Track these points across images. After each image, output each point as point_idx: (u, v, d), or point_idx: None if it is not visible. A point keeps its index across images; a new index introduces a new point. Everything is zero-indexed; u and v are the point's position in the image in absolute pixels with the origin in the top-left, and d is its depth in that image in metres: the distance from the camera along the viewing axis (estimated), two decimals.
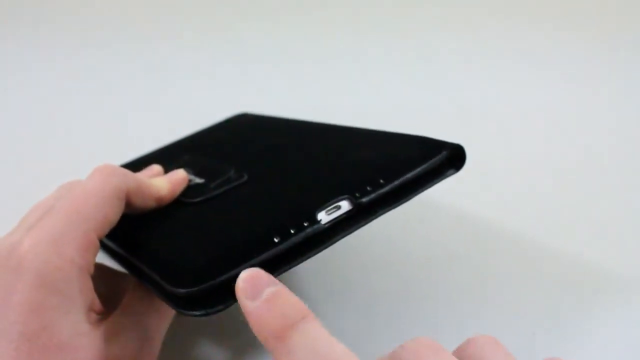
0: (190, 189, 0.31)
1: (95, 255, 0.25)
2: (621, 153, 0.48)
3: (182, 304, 0.22)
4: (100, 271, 0.29)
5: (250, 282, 0.20)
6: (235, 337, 0.33)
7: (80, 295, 0.23)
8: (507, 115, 0.53)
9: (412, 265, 0.38)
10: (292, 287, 0.20)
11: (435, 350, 0.19)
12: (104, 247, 0.29)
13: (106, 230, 0.25)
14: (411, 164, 0.27)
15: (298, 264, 0.23)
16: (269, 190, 0.29)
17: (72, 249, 0.23)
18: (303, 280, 0.36)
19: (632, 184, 0.45)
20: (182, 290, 0.22)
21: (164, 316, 0.27)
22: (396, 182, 0.26)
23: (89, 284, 0.24)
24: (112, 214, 0.25)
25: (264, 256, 0.22)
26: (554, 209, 0.42)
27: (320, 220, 0.24)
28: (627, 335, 0.31)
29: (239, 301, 0.20)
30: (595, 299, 0.34)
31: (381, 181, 0.26)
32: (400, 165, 0.27)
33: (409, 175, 0.26)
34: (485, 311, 0.33)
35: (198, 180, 0.32)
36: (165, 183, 0.30)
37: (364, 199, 0.25)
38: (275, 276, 0.23)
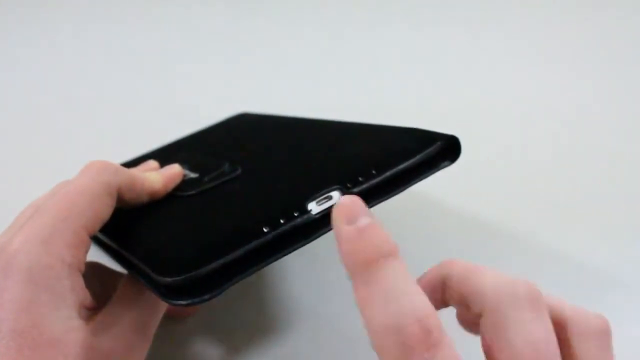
0: (184, 183, 0.31)
1: (85, 252, 0.25)
2: (622, 152, 0.47)
3: (169, 292, 0.22)
4: (94, 269, 0.29)
5: (349, 206, 0.20)
6: (234, 337, 0.33)
7: (71, 292, 0.23)
8: (508, 114, 0.53)
9: (410, 261, 0.37)
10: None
11: None
12: (95, 240, 0.29)
13: (97, 227, 0.25)
14: (404, 155, 0.26)
15: (288, 253, 0.23)
16: (261, 183, 0.29)
17: (62, 246, 0.23)
18: (296, 274, 0.36)
19: (633, 183, 0.44)
20: (168, 279, 0.21)
21: (155, 309, 0.26)
22: (388, 173, 0.25)
23: (80, 281, 0.24)
24: (103, 210, 0.25)
25: (253, 245, 0.22)
26: (554, 208, 0.42)
27: (311, 210, 0.24)
28: (627, 334, 0.30)
29: (334, 223, 0.20)
30: (594, 298, 0.33)
31: (373, 172, 0.25)
32: (393, 156, 0.26)
33: (402, 166, 0.26)
34: None
35: (192, 175, 0.32)
36: (158, 177, 0.30)
37: (355, 190, 0.25)
38: (266, 266, 0.23)
